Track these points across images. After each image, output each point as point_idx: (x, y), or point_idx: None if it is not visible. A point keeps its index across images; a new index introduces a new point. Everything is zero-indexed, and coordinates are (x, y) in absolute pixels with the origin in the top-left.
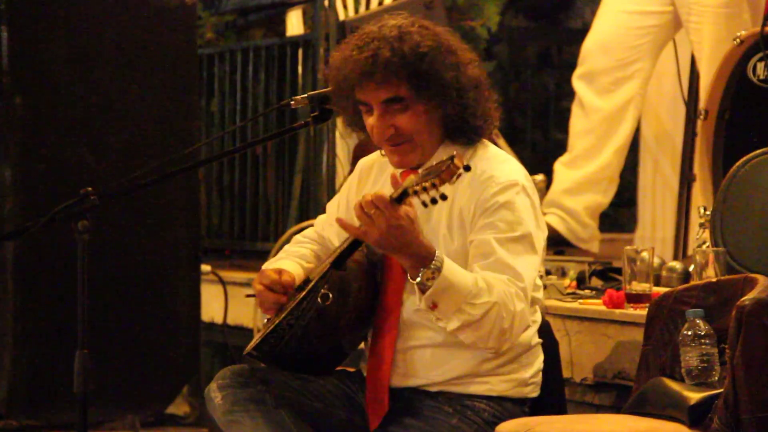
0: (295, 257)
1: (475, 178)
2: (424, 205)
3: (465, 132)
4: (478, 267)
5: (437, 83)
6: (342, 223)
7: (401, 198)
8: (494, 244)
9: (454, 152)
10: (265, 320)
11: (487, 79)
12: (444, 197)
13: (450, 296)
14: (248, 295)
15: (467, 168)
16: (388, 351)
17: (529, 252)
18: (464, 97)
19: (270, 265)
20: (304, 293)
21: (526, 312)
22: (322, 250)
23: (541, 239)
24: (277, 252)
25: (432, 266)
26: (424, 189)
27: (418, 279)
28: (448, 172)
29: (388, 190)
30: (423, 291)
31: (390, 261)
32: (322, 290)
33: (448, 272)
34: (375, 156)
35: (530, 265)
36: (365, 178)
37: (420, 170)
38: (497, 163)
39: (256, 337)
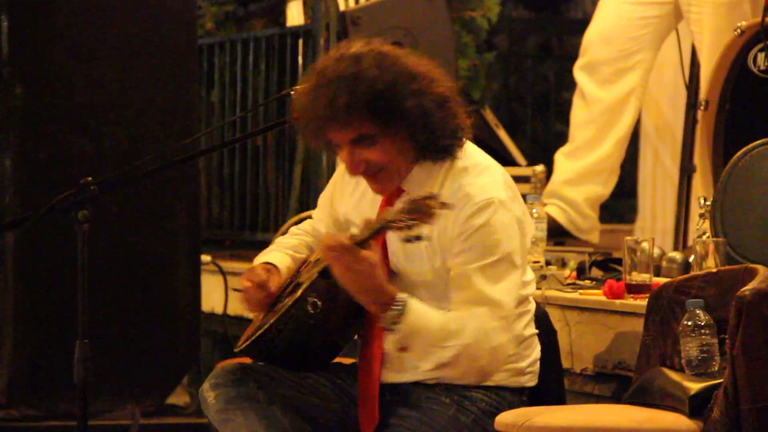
0: (286, 249)
1: (452, 194)
2: (405, 241)
3: (437, 152)
4: (455, 300)
5: (400, 115)
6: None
7: (363, 243)
8: (472, 276)
9: (434, 192)
10: (254, 315)
11: (456, 90)
12: (419, 238)
13: (418, 340)
14: (235, 290)
15: (446, 206)
16: (377, 357)
17: (510, 271)
18: (430, 122)
19: (261, 257)
20: (292, 301)
21: (507, 343)
22: (315, 243)
23: (524, 249)
24: None
25: (394, 310)
26: (400, 228)
27: (382, 324)
28: (426, 216)
29: (371, 194)
30: (391, 334)
31: None
32: (310, 299)
33: (414, 316)
34: None
35: (512, 286)
36: (349, 176)
37: (400, 203)
38: (473, 176)
39: (246, 335)
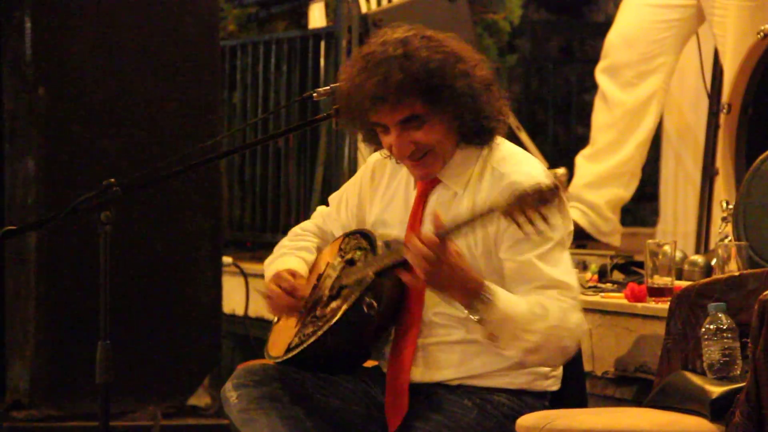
0: (298, 252)
1: (495, 182)
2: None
3: (480, 135)
4: (524, 290)
5: (451, 95)
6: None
7: (449, 235)
8: (537, 263)
9: (554, 172)
10: (276, 320)
11: (495, 76)
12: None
13: (507, 326)
14: (260, 291)
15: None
16: (408, 353)
17: (563, 252)
18: (478, 102)
19: (276, 263)
20: (349, 304)
21: (582, 320)
22: (323, 244)
23: (569, 233)
24: None
25: (483, 298)
26: (529, 220)
27: (476, 316)
28: (551, 201)
29: (403, 192)
30: (483, 324)
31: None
32: (367, 299)
33: (501, 303)
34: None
35: (570, 267)
36: (379, 177)
37: (509, 198)
38: (515, 164)
39: (281, 342)
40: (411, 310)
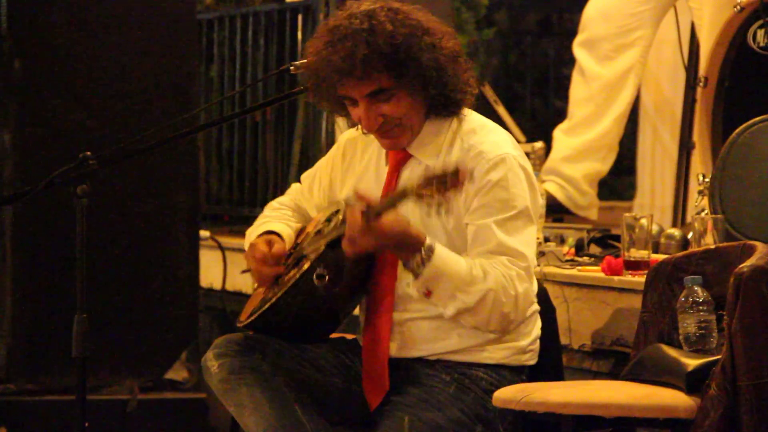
0: (280, 220)
1: (463, 153)
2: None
3: (447, 106)
4: (476, 252)
5: (416, 68)
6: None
7: (382, 212)
8: (493, 228)
9: (456, 165)
10: (254, 288)
11: (461, 48)
12: (447, 211)
13: (443, 284)
14: (243, 271)
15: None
16: (385, 330)
17: (528, 225)
18: (444, 75)
19: (257, 228)
20: (300, 273)
21: (530, 291)
22: (300, 219)
23: (537, 206)
24: None
25: (422, 254)
26: (429, 197)
27: (409, 267)
28: (453, 187)
29: (374, 167)
30: (416, 278)
31: None
32: (318, 270)
33: (439, 260)
34: (358, 131)
35: (530, 239)
36: (350, 156)
37: (422, 177)
38: (484, 135)
39: (249, 309)
40: (383, 283)
